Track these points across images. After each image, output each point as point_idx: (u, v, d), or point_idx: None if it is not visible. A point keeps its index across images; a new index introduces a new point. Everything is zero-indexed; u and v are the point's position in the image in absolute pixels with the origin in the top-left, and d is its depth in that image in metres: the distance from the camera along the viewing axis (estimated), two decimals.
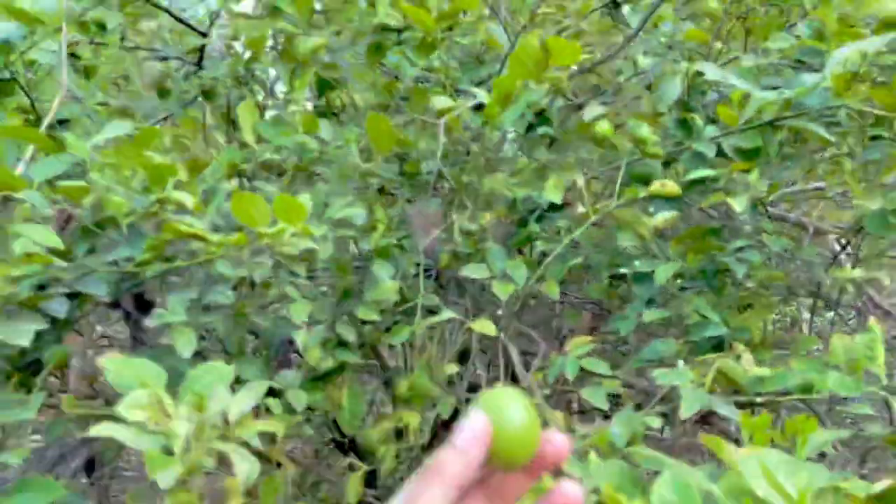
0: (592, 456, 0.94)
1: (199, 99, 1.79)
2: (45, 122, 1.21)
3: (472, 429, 0.45)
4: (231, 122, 1.84)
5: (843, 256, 1.53)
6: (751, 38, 1.51)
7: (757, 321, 1.37)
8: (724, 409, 1.12)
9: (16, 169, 1.12)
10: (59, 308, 1.06)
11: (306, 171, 1.55)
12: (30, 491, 1.01)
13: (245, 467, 0.78)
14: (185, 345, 1.07)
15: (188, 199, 1.07)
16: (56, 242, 1.02)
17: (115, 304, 1.44)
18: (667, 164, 1.44)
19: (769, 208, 1.66)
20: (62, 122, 1.46)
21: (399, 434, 1.45)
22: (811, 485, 0.79)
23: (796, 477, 0.80)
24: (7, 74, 1.39)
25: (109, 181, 1.10)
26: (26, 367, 1.20)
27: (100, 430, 0.75)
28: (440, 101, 1.46)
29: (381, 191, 1.66)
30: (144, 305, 1.42)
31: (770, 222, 1.45)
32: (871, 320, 1.09)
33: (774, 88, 1.29)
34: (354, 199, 1.37)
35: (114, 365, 0.91)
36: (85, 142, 1.08)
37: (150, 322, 1.11)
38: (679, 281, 1.41)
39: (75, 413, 1.13)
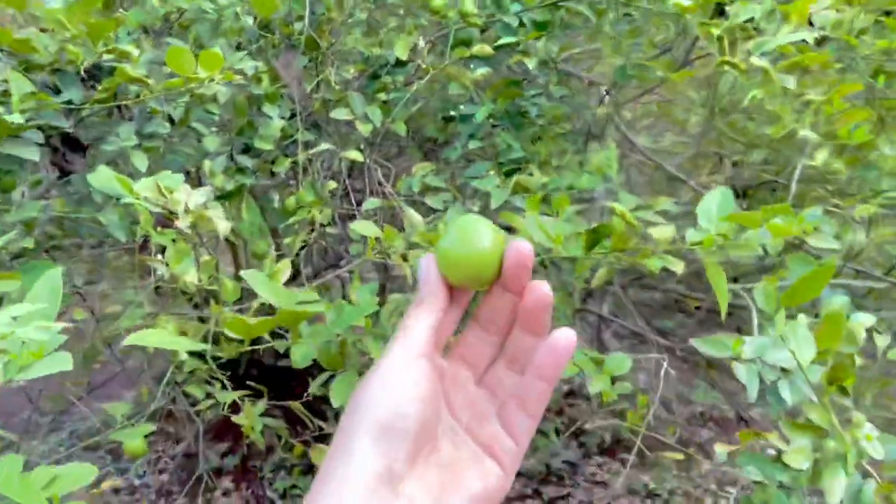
0: (441, 227, 1.46)
1: None
2: None
3: (426, 273, 0.52)
4: None
5: (606, 100, 2.13)
6: None
7: (545, 148, 1.94)
8: (520, 201, 1.69)
9: None
10: (35, 137, 1.37)
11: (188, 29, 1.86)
12: (35, 270, 1.37)
13: (224, 224, 1.21)
14: (141, 161, 1.43)
15: (135, 51, 1.40)
16: (28, 84, 1.32)
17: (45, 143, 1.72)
18: (483, 31, 1.92)
19: (559, 66, 2.21)
20: None
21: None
22: (565, 231, 1.36)
23: (557, 228, 1.37)
24: None
25: (58, 34, 1.39)
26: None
27: (126, 201, 1.15)
28: None
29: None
30: (72, 143, 1.71)
31: (557, 75, 2.00)
32: (611, 143, 1.69)
33: None
34: (245, 53, 1.73)
35: (99, 176, 1.29)
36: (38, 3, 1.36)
37: (107, 147, 1.45)
38: (491, 120, 1.93)
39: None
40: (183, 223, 1.13)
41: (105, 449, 3.75)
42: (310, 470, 4.06)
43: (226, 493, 3.75)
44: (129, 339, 0.99)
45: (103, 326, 1.86)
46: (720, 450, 1.18)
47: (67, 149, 1.75)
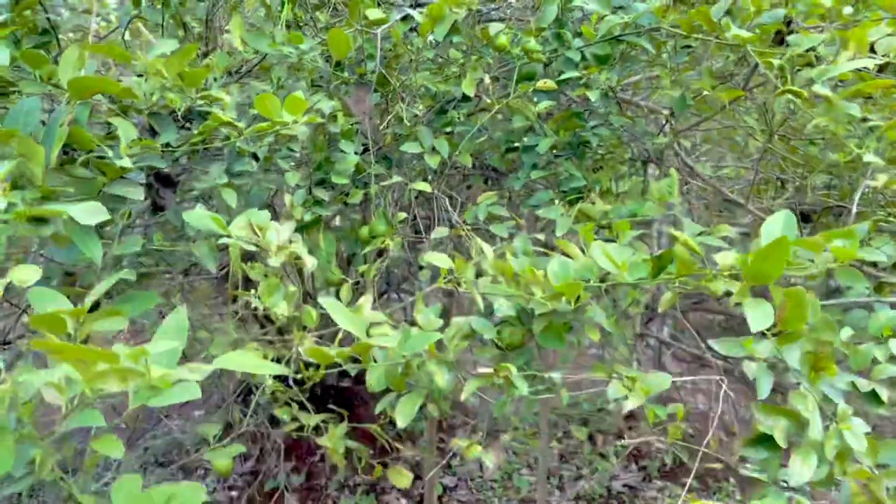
0: (509, 256, 1.53)
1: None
2: (90, 37, 1.59)
3: None
4: (207, 24, 2.21)
5: (666, 128, 2.17)
6: None
7: (606, 177, 2.00)
8: (580, 227, 1.75)
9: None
10: (138, 177, 1.51)
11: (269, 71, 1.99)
12: (135, 301, 1.50)
13: (311, 259, 1.31)
14: (231, 198, 1.55)
15: (226, 97, 1.52)
16: (133, 132, 1.46)
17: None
18: (546, 65, 2.00)
19: (619, 95, 2.27)
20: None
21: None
22: (629, 259, 1.42)
23: (621, 255, 1.43)
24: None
25: (162, 84, 1.53)
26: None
27: (223, 240, 1.26)
28: (371, 13, 1.93)
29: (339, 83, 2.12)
30: (164, 179, 1.85)
31: (617, 106, 2.06)
32: (672, 170, 1.74)
33: (622, 8, 1.86)
34: (322, 94, 1.85)
35: (194, 215, 1.41)
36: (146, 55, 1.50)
37: (199, 185, 1.58)
38: (554, 151, 2.00)
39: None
40: (275, 261, 1.24)
41: (176, 465, 3.91)
42: (372, 489, 4.14)
43: None
44: (218, 362, 1.09)
45: (190, 352, 1.98)
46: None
47: (160, 185, 1.90)
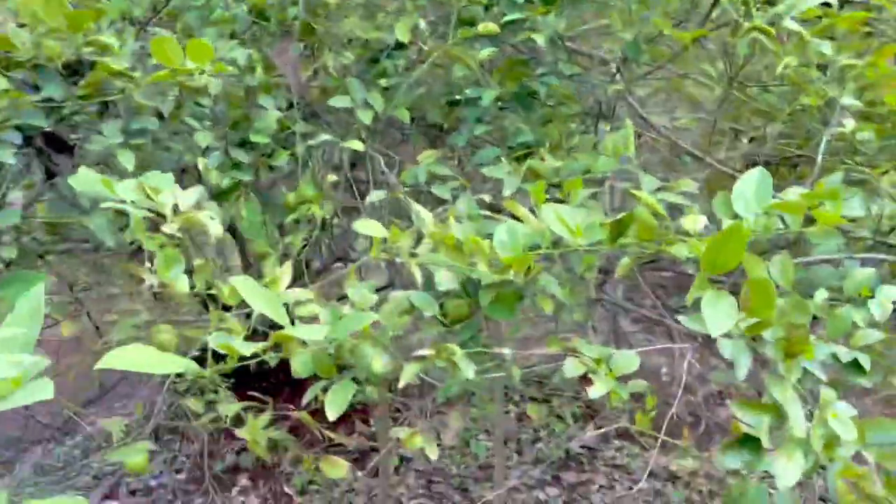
0: (451, 221, 1.37)
1: None
2: None
3: None
4: None
5: (617, 77, 2.01)
6: None
7: (556, 130, 1.84)
8: (529, 186, 1.60)
9: None
10: (14, 138, 1.29)
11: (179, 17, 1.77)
12: (19, 282, 1.29)
13: (216, 227, 1.12)
14: (128, 160, 1.34)
15: (114, 42, 1.31)
16: (6, 84, 1.23)
17: (27, 144, 1.63)
18: (488, 8, 1.81)
19: (569, 44, 2.10)
20: None
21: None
22: (582, 222, 1.26)
23: (575, 217, 1.28)
24: None
25: (35, 28, 1.30)
26: None
27: (109, 204, 1.06)
28: None
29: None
30: (56, 142, 1.63)
31: (566, 53, 1.89)
32: (627, 122, 1.58)
33: None
34: (236, 42, 1.64)
35: (81, 178, 1.20)
36: None
37: (90, 146, 1.36)
38: (499, 104, 1.83)
39: None
40: (170, 227, 1.05)
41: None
42: None
43: (243, 491, 3.69)
44: (103, 362, 0.90)
45: (103, 334, 1.78)
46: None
47: (53, 150, 1.66)
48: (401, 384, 1.17)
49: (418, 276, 1.18)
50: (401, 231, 1.19)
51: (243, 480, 3.70)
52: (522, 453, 4.37)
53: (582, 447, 4.39)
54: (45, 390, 0.76)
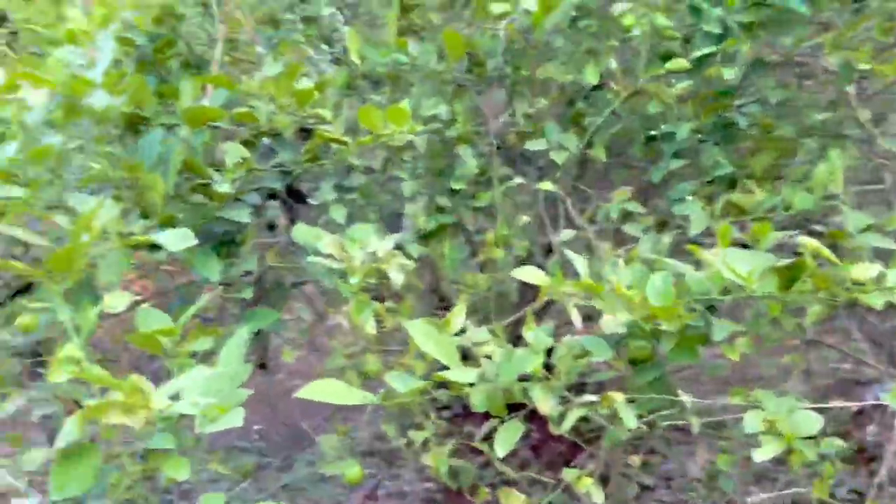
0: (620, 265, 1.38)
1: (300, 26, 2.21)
2: (214, 69, 1.68)
3: None
4: (329, 43, 2.27)
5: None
6: None
7: (762, 161, 1.74)
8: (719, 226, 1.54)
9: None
10: (253, 199, 1.57)
11: (399, 79, 1.98)
12: (257, 317, 1.56)
13: (398, 276, 1.27)
14: (339, 214, 1.56)
15: (329, 115, 1.53)
16: (245, 153, 1.51)
17: (272, 197, 1.95)
18: (687, 41, 1.78)
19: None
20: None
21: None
22: (758, 267, 1.20)
23: (751, 263, 1.22)
24: (170, 30, 1.85)
25: (269, 105, 1.57)
26: (226, 242, 1.73)
27: (313, 261, 1.26)
28: (497, 7, 1.84)
29: (459, 86, 2.07)
30: (295, 196, 1.92)
31: (774, 80, 1.78)
32: (832, 152, 1.46)
33: None
34: (438, 99, 1.80)
35: (298, 232, 1.43)
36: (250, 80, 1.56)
37: (312, 202, 1.60)
38: (699, 136, 1.78)
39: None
40: (353, 279, 1.21)
41: (380, 456, 4.09)
42: (566, 487, 4.03)
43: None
44: (304, 392, 1.08)
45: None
46: None
47: (293, 201, 1.97)
48: (564, 428, 1.20)
49: (577, 322, 1.22)
50: (562, 280, 1.23)
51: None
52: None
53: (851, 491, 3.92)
54: (237, 418, 0.94)
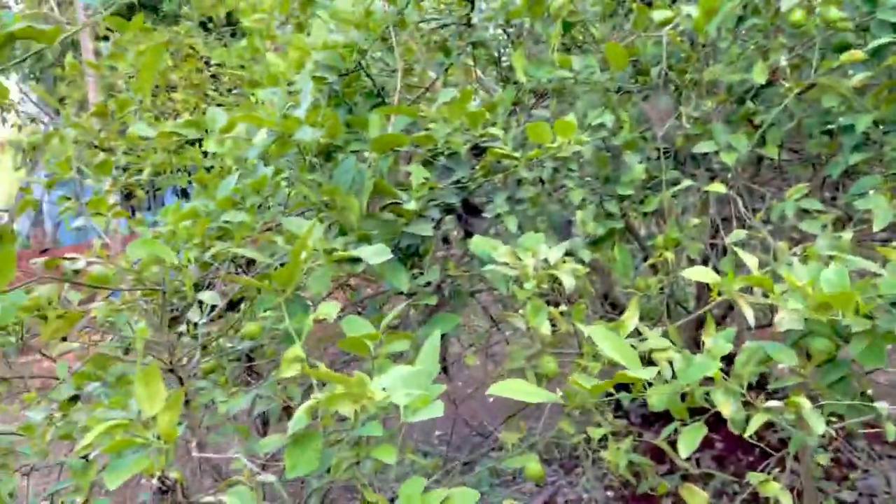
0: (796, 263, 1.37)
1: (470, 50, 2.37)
2: (395, 98, 1.87)
3: None
4: (497, 63, 2.40)
5: None
6: None
7: None
8: None
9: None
10: (435, 215, 1.72)
11: (564, 92, 2.07)
12: (442, 321, 1.70)
13: (570, 281, 1.36)
14: (511, 224, 1.68)
15: (500, 132, 1.65)
16: (427, 174, 1.67)
17: (449, 211, 2.11)
18: (864, 30, 1.72)
19: None
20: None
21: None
22: None
23: None
24: (356, 66, 2.06)
25: (445, 127, 1.72)
26: (412, 254, 1.90)
27: (490, 269, 1.38)
28: (658, 14, 1.87)
29: (625, 93, 2.12)
30: (471, 210, 2.07)
31: None
32: None
33: None
34: (603, 109, 1.87)
35: (475, 243, 1.55)
36: (429, 106, 1.72)
37: (485, 215, 1.73)
38: (881, 127, 1.71)
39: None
40: (528, 285, 1.31)
41: (558, 463, 4.16)
42: (754, 498, 3.87)
43: None
44: (493, 389, 1.19)
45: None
46: None
47: (469, 214, 2.11)
48: (748, 431, 1.22)
49: (750, 319, 1.23)
50: (733, 278, 1.26)
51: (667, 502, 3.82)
52: None
53: None
54: (438, 409, 1.07)
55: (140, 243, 1.33)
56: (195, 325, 1.84)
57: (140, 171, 2.78)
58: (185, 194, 6.30)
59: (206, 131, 1.70)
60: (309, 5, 2.14)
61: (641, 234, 2.06)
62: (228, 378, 2.12)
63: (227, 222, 1.52)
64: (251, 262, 1.83)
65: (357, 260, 1.52)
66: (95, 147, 2.29)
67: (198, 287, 1.96)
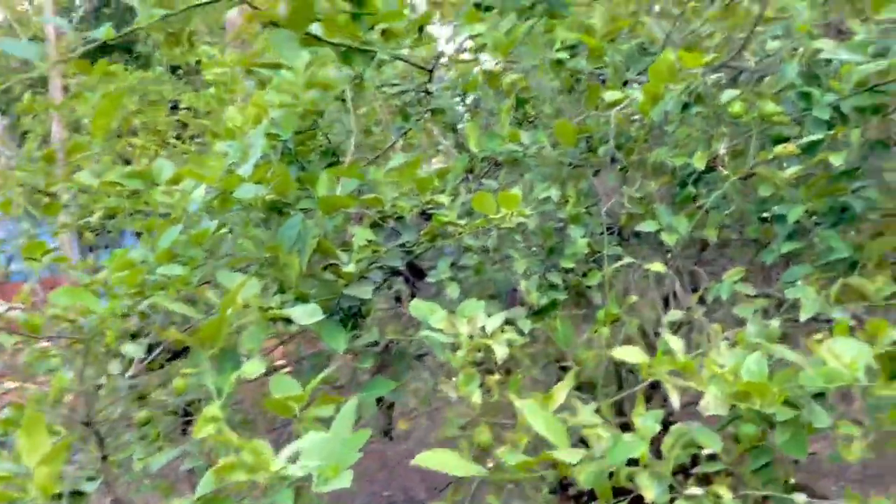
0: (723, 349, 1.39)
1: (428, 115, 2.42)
2: (348, 159, 1.89)
3: None
4: (453, 131, 2.45)
5: None
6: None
7: (882, 246, 1.70)
8: (837, 312, 1.52)
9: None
10: (376, 277, 1.72)
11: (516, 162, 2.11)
12: (376, 386, 1.69)
13: (502, 352, 1.36)
14: (453, 291, 1.68)
15: (446, 200, 1.68)
16: (371, 236, 1.68)
17: (395, 273, 2.12)
18: (799, 123, 1.80)
19: None
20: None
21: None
22: (862, 356, 1.19)
23: (857, 355, 1.20)
24: (312, 125, 2.09)
25: (394, 191, 1.74)
26: (352, 315, 1.89)
27: (426, 335, 1.38)
28: (610, 95, 1.94)
29: (577, 167, 2.17)
30: (417, 273, 2.08)
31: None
32: None
33: (881, 56, 1.61)
34: (550, 182, 1.91)
35: (415, 307, 1.55)
36: (378, 170, 1.74)
37: (428, 279, 1.74)
38: (813, 218, 1.77)
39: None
40: (461, 353, 1.31)
41: None
42: None
43: None
44: (418, 460, 1.18)
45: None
46: None
47: (415, 276, 2.12)
48: None
49: (675, 402, 1.25)
50: (663, 359, 1.27)
51: None
52: None
53: None
54: (345, 480, 1.05)
55: (63, 291, 1.30)
56: (129, 375, 1.80)
57: (92, 213, 2.74)
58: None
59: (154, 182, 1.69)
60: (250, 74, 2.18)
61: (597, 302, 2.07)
62: (161, 432, 2.06)
63: (163, 275, 1.50)
64: None
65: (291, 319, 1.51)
66: (40, 192, 2.26)
67: (136, 336, 1.92)
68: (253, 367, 1.28)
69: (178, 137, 3.60)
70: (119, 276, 1.55)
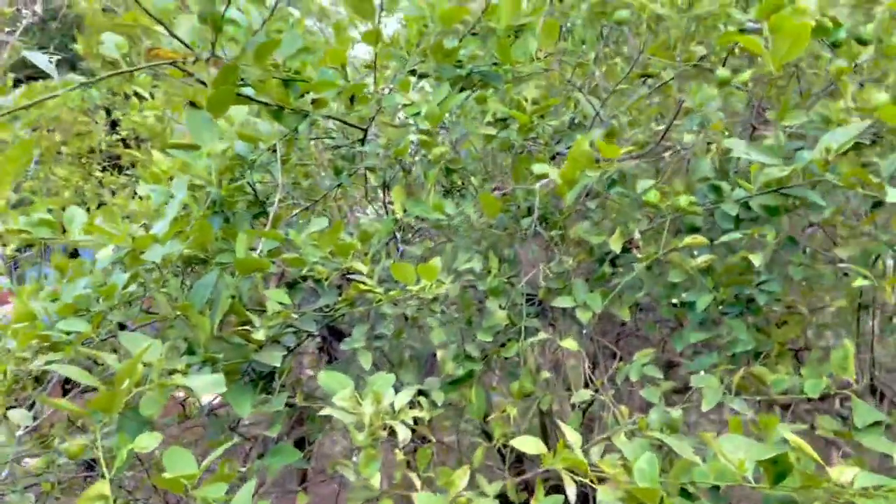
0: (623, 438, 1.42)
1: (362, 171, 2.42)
2: (270, 220, 1.87)
3: None
4: (385, 188, 2.46)
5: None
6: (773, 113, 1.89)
7: (784, 336, 1.77)
8: (737, 404, 1.57)
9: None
10: (290, 341, 1.70)
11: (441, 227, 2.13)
12: (280, 454, 1.65)
13: (404, 434, 1.35)
14: (366, 361, 1.67)
15: (364, 268, 1.67)
16: (286, 300, 1.66)
17: (313, 335, 2.09)
18: (711, 214, 1.87)
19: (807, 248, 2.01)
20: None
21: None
22: (751, 457, 1.22)
23: (748, 452, 1.24)
24: (239, 177, 2.07)
25: (314, 255, 1.73)
26: (265, 378, 1.85)
27: (325, 411, 1.36)
28: (538, 168, 1.98)
29: (499, 237, 2.20)
30: (336, 334, 2.06)
31: (802, 255, 1.84)
32: (847, 343, 1.49)
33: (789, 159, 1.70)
34: (472, 254, 1.93)
35: (324, 378, 1.53)
36: (298, 233, 1.73)
37: (343, 346, 1.72)
38: (720, 307, 1.83)
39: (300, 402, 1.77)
40: (362, 435, 1.30)
41: None
42: None
43: None
44: None
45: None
46: None
47: (334, 338, 2.10)
48: None
49: (571, 495, 1.26)
50: (563, 453, 1.28)
51: None
52: None
53: None
54: None
55: None
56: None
57: (5, 245, 2.64)
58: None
59: (63, 231, 1.64)
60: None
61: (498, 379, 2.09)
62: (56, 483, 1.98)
63: (62, 332, 1.45)
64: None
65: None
66: None
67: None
68: (146, 441, 1.23)
69: (111, 162, 3.50)
70: (16, 329, 1.49)
